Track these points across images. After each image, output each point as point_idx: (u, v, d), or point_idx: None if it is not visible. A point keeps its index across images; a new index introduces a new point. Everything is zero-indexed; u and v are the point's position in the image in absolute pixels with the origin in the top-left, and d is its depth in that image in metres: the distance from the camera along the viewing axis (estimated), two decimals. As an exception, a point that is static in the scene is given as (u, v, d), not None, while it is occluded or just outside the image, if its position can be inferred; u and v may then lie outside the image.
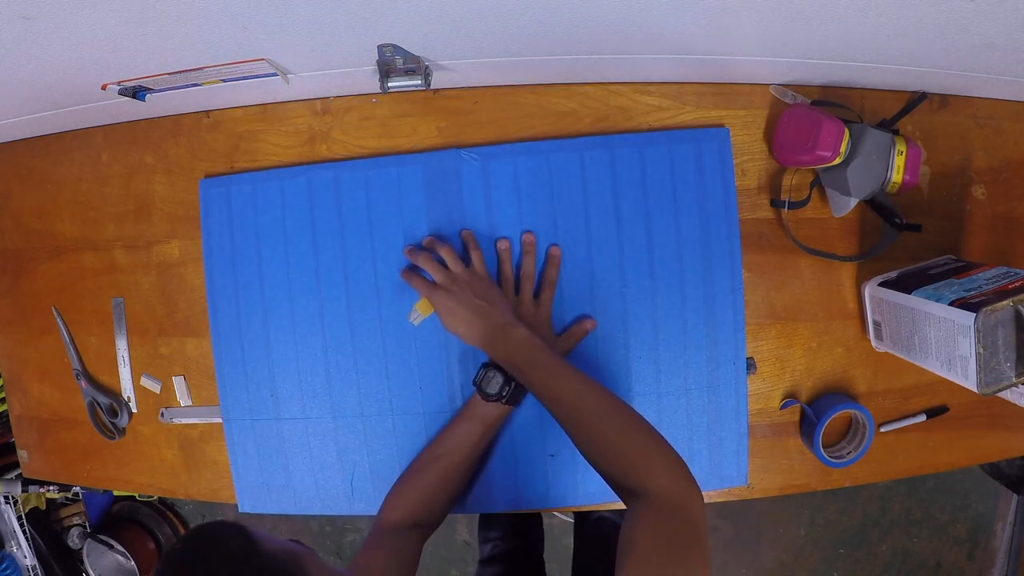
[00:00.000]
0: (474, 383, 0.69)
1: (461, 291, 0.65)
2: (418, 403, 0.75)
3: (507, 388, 0.67)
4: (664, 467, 0.53)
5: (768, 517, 1.76)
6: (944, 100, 0.75)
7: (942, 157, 0.75)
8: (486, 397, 0.68)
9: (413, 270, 0.71)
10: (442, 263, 0.69)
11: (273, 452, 0.78)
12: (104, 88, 0.66)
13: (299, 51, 0.61)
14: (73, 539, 1.63)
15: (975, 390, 0.58)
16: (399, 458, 0.75)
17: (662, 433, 0.56)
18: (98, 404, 0.84)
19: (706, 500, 0.75)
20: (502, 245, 0.72)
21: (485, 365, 0.69)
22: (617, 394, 0.59)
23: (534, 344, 0.62)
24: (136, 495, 1.69)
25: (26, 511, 1.47)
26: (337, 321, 0.75)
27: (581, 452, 0.58)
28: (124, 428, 0.84)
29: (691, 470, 0.53)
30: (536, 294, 0.71)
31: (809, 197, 0.73)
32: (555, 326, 0.72)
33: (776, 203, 0.74)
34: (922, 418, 0.76)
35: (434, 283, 0.68)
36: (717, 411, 0.73)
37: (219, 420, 0.79)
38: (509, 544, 1.12)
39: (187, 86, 0.67)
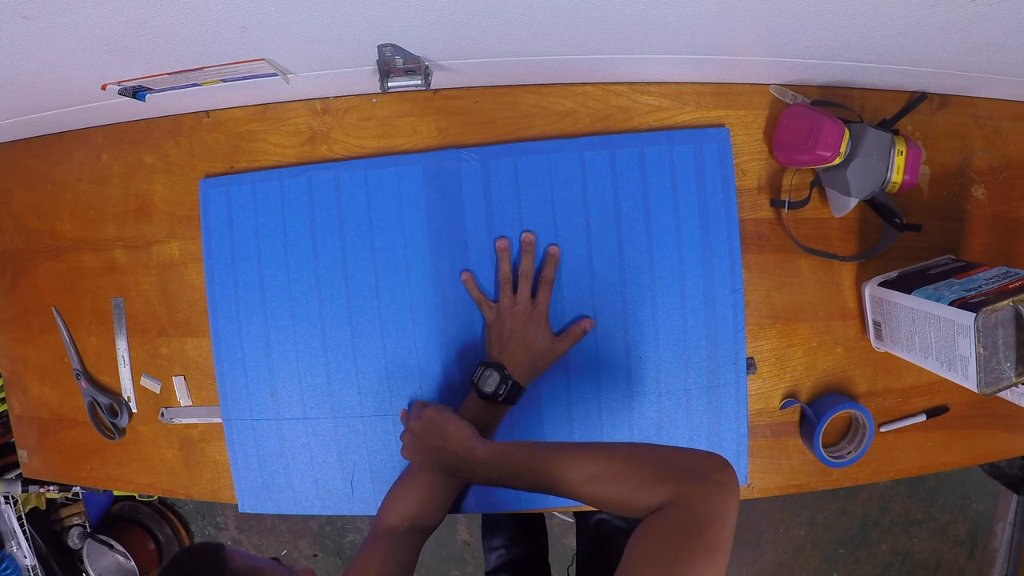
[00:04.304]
0: (471, 381, 0.69)
1: (422, 433, 0.66)
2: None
3: (503, 387, 0.67)
4: (665, 480, 0.49)
5: (768, 517, 1.76)
6: (944, 100, 0.75)
7: (942, 157, 0.75)
8: (483, 396, 0.68)
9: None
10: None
11: (273, 452, 0.78)
12: (104, 88, 0.66)
13: (299, 51, 0.61)
14: (73, 539, 1.63)
15: (975, 390, 0.58)
16: (399, 458, 0.75)
17: (663, 432, 0.55)
18: (98, 404, 0.84)
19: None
20: (501, 244, 0.72)
21: (483, 363, 0.69)
22: (595, 440, 0.58)
23: (504, 454, 0.60)
24: (136, 495, 1.69)
25: (26, 511, 1.47)
26: (337, 321, 0.75)
27: (608, 512, 0.55)
28: (124, 428, 0.84)
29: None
30: (534, 293, 0.71)
31: (809, 197, 0.73)
32: (554, 326, 0.72)
33: (776, 203, 0.74)
34: (922, 418, 0.76)
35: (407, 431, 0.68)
36: (717, 411, 0.73)
37: (219, 420, 0.79)
38: (514, 552, 1.11)
39: (187, 86, 0.67)
